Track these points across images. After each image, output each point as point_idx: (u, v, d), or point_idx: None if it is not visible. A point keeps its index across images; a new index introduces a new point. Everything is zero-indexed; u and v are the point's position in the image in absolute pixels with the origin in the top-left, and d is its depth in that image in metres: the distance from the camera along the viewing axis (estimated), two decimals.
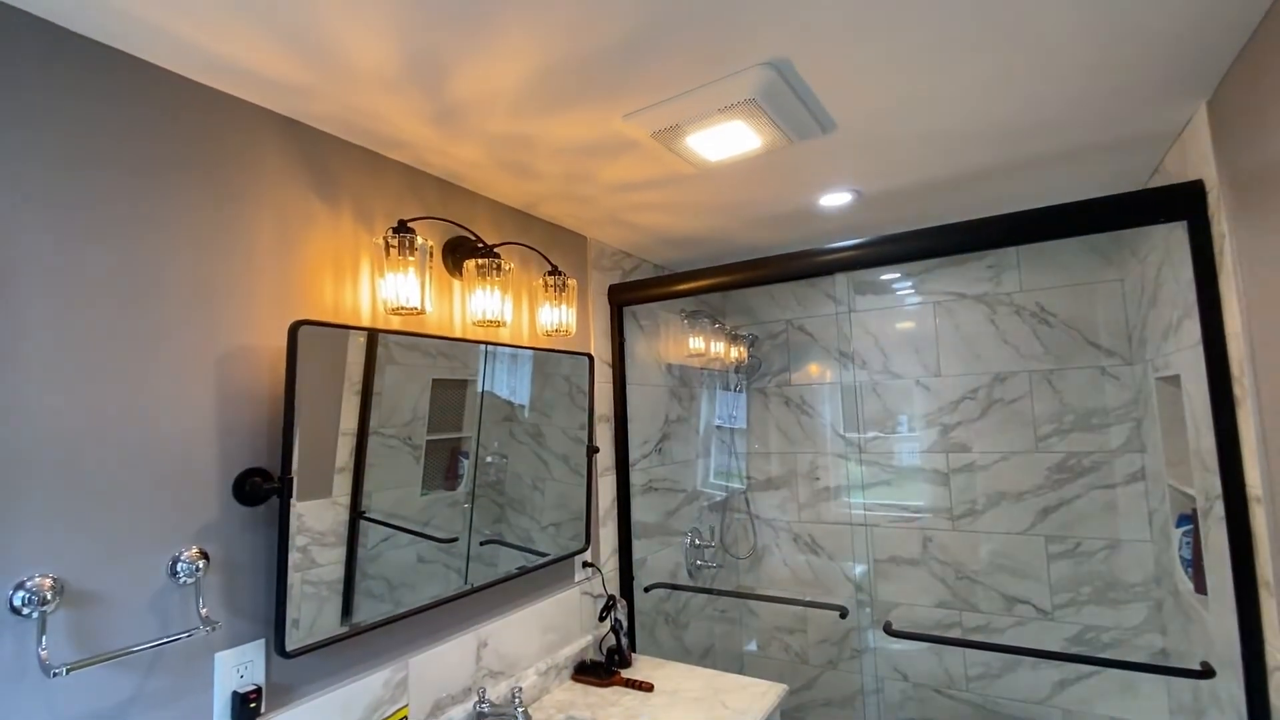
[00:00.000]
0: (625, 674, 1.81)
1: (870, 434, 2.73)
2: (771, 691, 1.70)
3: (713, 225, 2.12)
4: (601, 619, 1.93)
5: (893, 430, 2.68)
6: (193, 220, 1.09)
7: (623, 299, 2.21)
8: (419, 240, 1.31)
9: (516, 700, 1.55)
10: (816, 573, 2.84)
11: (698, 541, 2.73)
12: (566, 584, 1.90)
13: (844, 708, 2.73)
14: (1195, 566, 1.76)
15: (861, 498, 2.74)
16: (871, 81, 1.23)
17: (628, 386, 2.23)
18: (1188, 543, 1.81)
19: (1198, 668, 1.51)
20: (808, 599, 2.27)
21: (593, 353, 2.09)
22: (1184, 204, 1.43)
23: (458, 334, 1.57)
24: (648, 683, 1.74)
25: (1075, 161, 1.71)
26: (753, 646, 2.97)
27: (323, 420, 1.21)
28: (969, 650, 2.46)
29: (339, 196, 1.34)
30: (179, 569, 1.02)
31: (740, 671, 2.97)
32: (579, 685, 1.77)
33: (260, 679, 1.12)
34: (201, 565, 1.03)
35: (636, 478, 2.30)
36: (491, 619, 1.62)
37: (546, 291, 1.71)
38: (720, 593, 2.44)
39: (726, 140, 1.41)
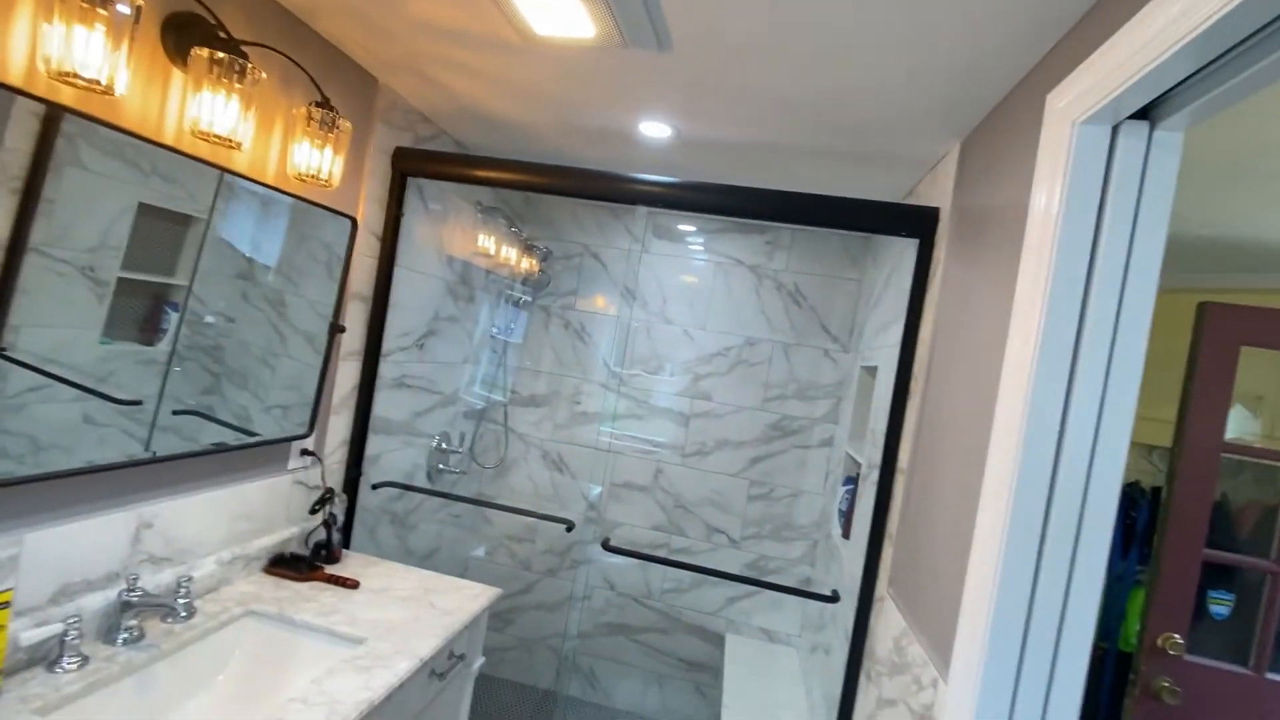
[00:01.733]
0: (330, 570, 1.68)
1: (634, 370, 2.87)
2: (484, 594, 1.73)
3: (529, 115, 1.95)
4: (313, 512, 1.75)
5: (655, 371, 2.85)
6: None
7: (410, 167, 1.93)
8: None
9: (182, 590, 1.34)
10: (557, 489, 2.96)
11: (444, 446, 2.63)
12: (278, 470, 1.67)
13: (553, 611, 2.94)
14: (847, 517, 2.20)
15: (612, 427, 2.89)
16: (714, 8, 1.19)
17: (397, 268, 1.99)
18: (847, 498, 2.25)
19: (829, 594, 1.90)
20: (542, 513, 2.36)
21: (360, 217, 1.81)
22: (921, 225, 1.69)
23: (170, 140, 1.21)
24: (353, 579, 1.64)
25: (861, 163, 1.91)
26: (480, 552, 3.02)
27: None
28: (668, 568, 2.81)
29: None
30: None
31: (463, 575, 2.99)
32: (271, 579, 1.60)
33: None
34: None
35: (388, 370, 2.10)
36: (164, 498, 1.35)
37: (309, 125, 1.40)
38: (454, 498, 2.40)
39: (558, 13, 1.26)
